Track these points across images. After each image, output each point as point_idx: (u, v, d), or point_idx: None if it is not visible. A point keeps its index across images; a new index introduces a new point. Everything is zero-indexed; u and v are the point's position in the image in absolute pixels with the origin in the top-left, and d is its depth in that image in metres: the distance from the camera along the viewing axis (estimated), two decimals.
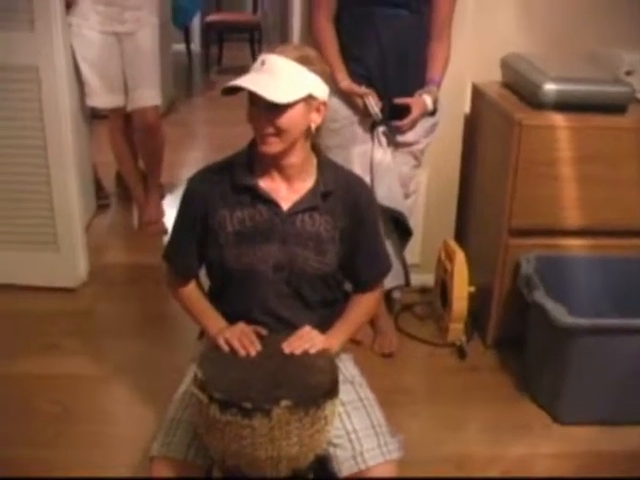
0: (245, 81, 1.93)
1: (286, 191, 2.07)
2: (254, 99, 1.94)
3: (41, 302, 3.55)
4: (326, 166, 2.13)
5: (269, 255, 2.04)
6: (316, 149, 2.14)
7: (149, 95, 4.17)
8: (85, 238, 3.77)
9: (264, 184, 2.06)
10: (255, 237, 2.04)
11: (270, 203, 2.05)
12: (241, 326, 2.03)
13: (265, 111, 1.94)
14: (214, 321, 2.12)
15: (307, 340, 1.99)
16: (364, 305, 2.23)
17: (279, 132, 1.96)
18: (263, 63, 1.94)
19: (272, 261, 2.04)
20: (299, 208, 2.06)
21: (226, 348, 1.97)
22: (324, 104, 2.04)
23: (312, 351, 1.97)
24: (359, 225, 2.12)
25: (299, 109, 1.96)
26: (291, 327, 2.05)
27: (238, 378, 1.86)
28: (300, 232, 2.05)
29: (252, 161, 2.08)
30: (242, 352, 1.94)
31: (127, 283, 3.87)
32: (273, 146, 1.98)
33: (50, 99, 3.39)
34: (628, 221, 3.17)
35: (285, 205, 2.06)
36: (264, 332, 2.04)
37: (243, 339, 1.97)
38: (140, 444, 2.55)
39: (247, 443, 1.77)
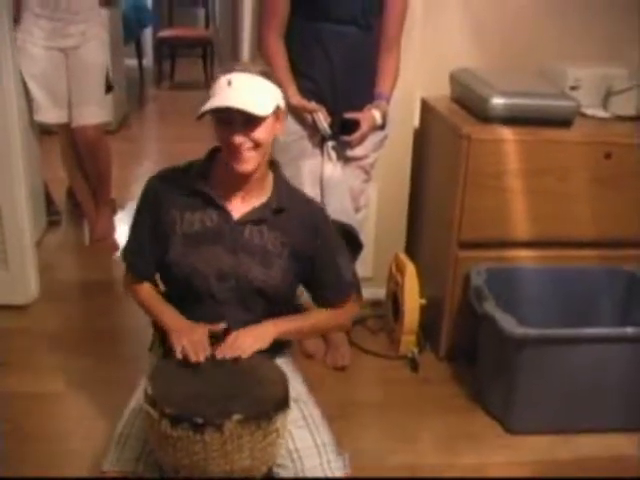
0: (222, 101, 1.94)
1: (239, 202, 2.10)
2: (227, 118, 1.96)
3: None
4: (282, 184, 2.16)
5: (214, 258, 2.05)
6: (274, 166, 2.17)
7: (90, 112, 4.08)
8: (36, 255, 3.72)
9: (217, 192, 2.09)
10: (202, 240, 2.06)
11: (221, 209, 2.07)
12: (199, 336, 2.00)
13: (241, 127, 1.96)
14: (171, 318, 2.10)
15: (235, 349, 1.98)
16: (323, 314, 2.25)
17: (257, 146, 1.99)
18: (230, 83, 1.96)
19: (216, 266, 2.05)
20: (248, 219, 2.08)
21: (180, 357, 1.95)
22: (284, 112, 2.10)
23: (244, 356, 1.97)
24: (319, 244, 2.15)
25: (270, 120, 2.01)
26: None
27: (189, 392, 1.85)
28: (248, 242, 2.07)
29: (209, 169, 2.12)
30: (193, 359, 1.94)
31: (78, 300, 3.83)
32: (250, 163, 2.01)
33: None
34: (575, 233, 3.22)
35: (235, 215, 2.08)
36: (222, 326, 2.05)
37: (198, 349, 1.95)
38: (91, 460, 2.54)
39: (199, 458, 1.76)
